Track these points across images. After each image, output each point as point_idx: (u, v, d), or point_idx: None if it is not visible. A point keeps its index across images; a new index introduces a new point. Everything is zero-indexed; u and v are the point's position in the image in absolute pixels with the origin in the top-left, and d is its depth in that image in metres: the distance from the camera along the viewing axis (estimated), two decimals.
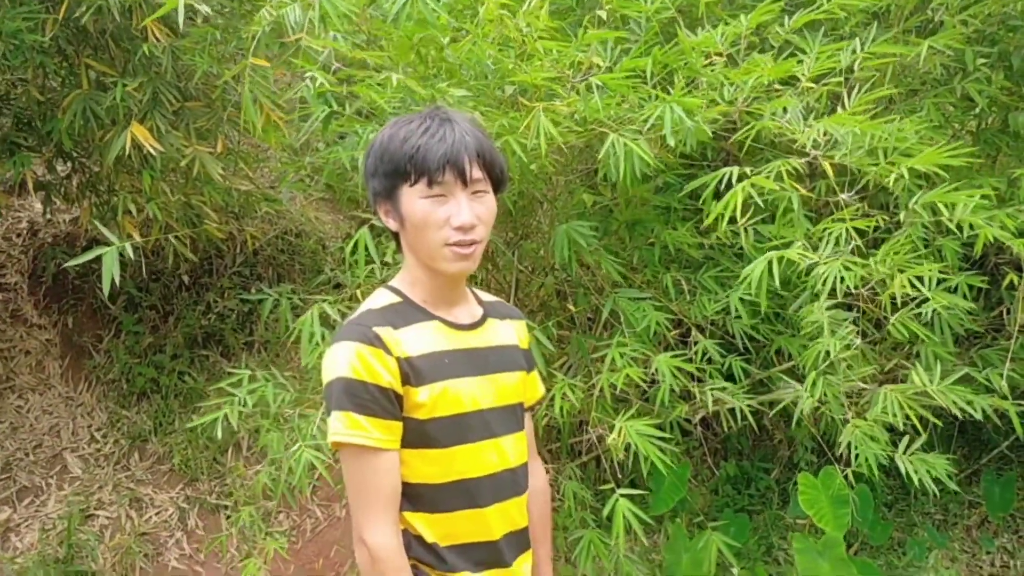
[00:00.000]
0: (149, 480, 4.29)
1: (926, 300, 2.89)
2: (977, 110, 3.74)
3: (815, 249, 2.74)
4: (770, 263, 2.66)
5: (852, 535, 4.03)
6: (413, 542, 1.46)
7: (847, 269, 2.62)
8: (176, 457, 4.33)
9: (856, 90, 2.97)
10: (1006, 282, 3.41)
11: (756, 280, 2.64)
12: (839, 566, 3.24)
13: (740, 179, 2.70)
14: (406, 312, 1.48)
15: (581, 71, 2.91)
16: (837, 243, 2.74)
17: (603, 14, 3.09)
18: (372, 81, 2.78)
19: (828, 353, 2.80)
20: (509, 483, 1.53)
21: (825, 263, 2.65)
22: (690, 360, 3.24)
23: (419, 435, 1.43)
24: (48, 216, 4.91)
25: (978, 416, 3.38)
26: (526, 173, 3.23)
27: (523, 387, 1.63)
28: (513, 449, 1.55)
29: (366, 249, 2.78)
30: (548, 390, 3.19)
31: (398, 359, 1.41)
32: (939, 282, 3.09)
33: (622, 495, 2.84)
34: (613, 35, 2.99)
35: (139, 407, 4.60)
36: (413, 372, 1.42)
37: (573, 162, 3.49)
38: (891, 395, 2.81)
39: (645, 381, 3.10)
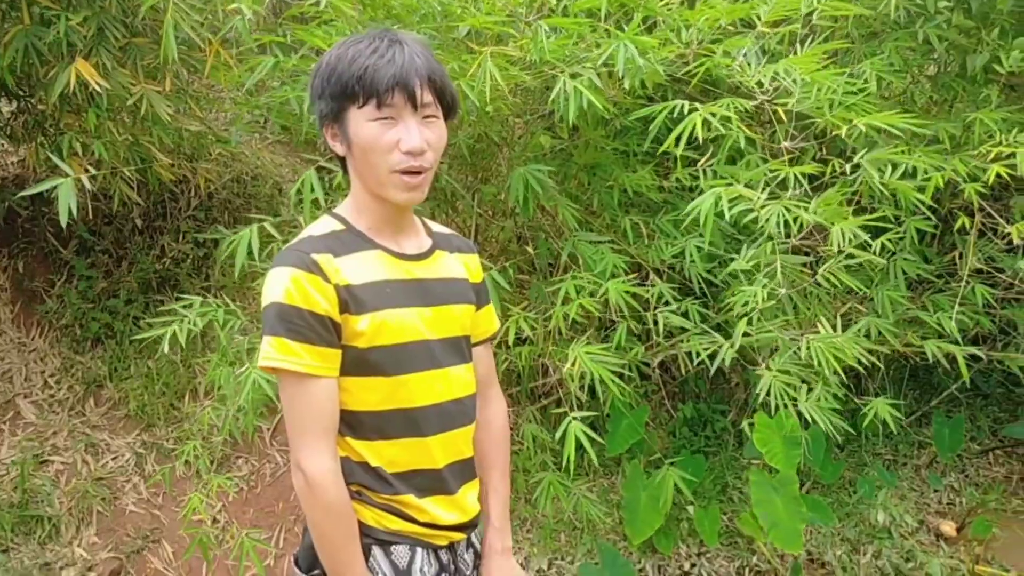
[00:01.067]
0: (105, 426, 4.24)
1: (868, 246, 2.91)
2: (935, 55, 3.74)
3: (770, 193, 2.74)
4: (717, 199, 2.65)
5: (804, 474, 4.12)
6: (356, 468, 1.45)
7: (789, 212, 2.63)
8: (132, 403, 4.28)
9: (813, 37, 2.95)
10: (957, 225, 3.47)
11: (704, 215, 2.64)
12: (790, 503, 3.31)
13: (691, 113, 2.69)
14: (348, 240, 1.45)
15: (534, 10, 2.84)
16: (785, 186, 2.74)
17: None
18: (316, 25, 2.71)
19: (763, 298, 2.82)
20: (455, 413, 1.52)
21: (766, 205, 2.65)
22: (647, 301, 3.25)
23: (360, 363, 1.41)
24: None
25: (929, 359, 3.46)
26: (482, 116, 3.19)
27: (471, 320, 1.61)
28: (460, 380, 1.53)
29: (312, 190, 2.72)
30: (504, 325, 3.19)
31: (336, 286, 1.38)
32: (886, 230, 3.13)
33: (575, 418, 2.84)
34: None
35: (93, 353, 4.53)
36: (352, 300, 1.39)
37: (531, 104, 3.44)
38: (813, 344, 2.83)
39: (599, 312, 3.10)
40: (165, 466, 4.08)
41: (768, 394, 2.77)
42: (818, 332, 2.94)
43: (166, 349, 2.89)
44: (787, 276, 3.10)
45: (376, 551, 1.46)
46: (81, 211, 4.81)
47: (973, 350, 3.54)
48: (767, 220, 2.60)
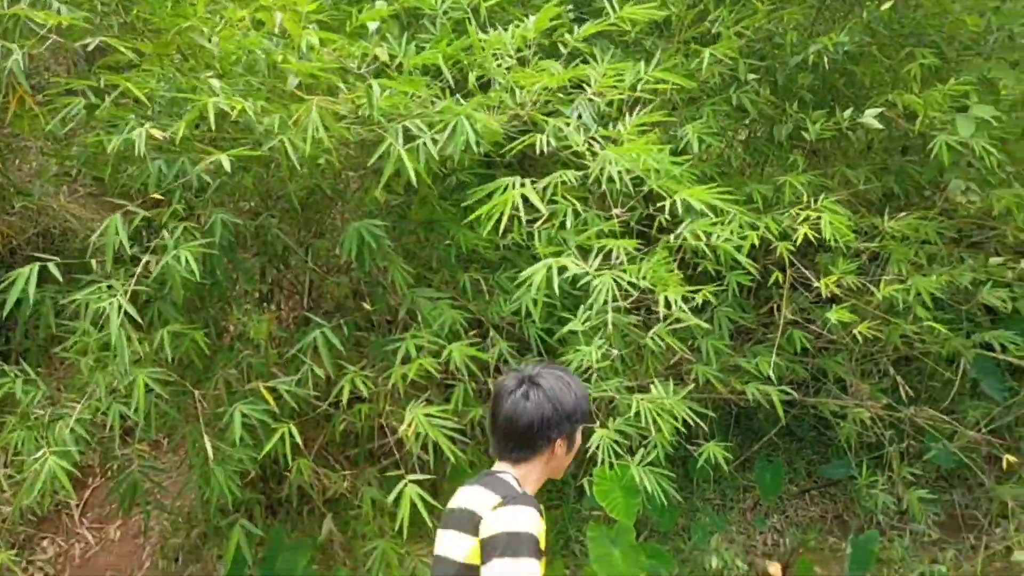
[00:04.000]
0: None
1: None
2: (748, 120, 4.02)
3: (597, 256, 2.86)
4: (548, 269, 2.73)
5: (642, 523, 4.19)
6: None
7: (616, 282, 2.74)
8: None
9: (638, 108, 3.11)
10: (772, 280, 3.70)
11: (536, 286, 2.70)
12: (629, 552, 3.36)
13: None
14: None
15: (365, 63, 2.82)
16: (608, 256, 2.85)
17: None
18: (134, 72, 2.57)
19: (599, 358, 2.91)
20: None
21: (598, 274, 2.76)
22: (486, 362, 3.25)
23: None
24: None
25: (750, 400, 3.65)
26: (312, 168, 3.11)
27: None
28: None
29: (117, 233, 2.55)
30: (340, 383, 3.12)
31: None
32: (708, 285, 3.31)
33: (412, 481, 2.78)
34: (384, 13, 2.94)
35: None
36: None
37: (364, 158, 3.40)
38: (641, 403, 2.99)
39: (439, 372, 3.07)
40: None
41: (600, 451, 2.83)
42: (649, 391, 3.05)
43: None
44: (620, 335, 3.19)
45: None
46: None
47: (788, 390, 3.75)
48: (599, 289, 2.69)
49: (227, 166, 2.64)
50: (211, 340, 3.29)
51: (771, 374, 3.62)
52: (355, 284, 3.79)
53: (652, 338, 3.06)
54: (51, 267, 2.69)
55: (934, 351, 4.22)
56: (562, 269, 2.74)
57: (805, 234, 3.31)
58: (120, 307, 2.60)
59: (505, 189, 2.78)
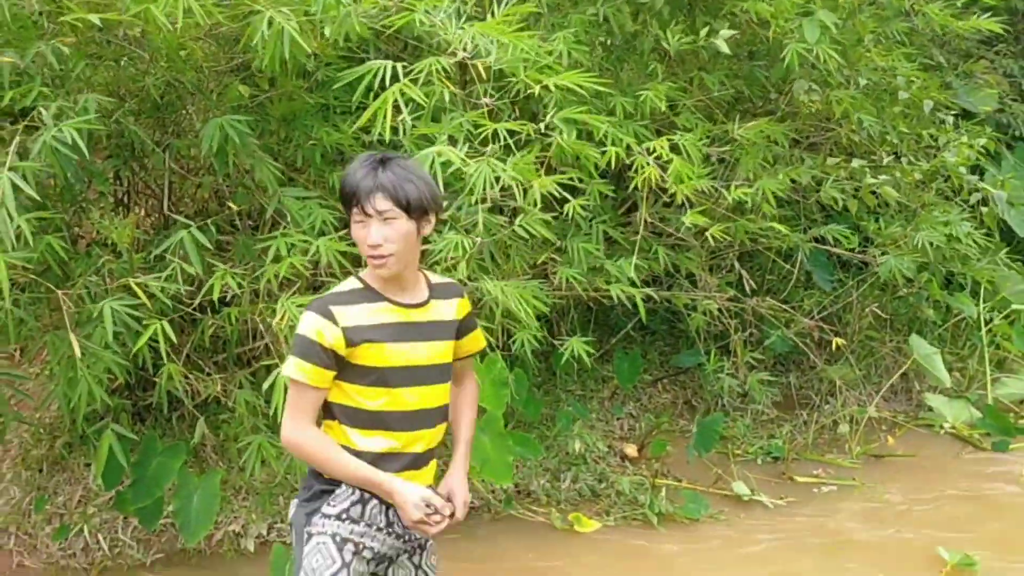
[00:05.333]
0: None
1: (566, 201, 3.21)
2: (606, 28, 4.13)
3: (469, 147, 2.92)
4: (432, 161, 2.77)
5: (509, 415, 4.40)
6: (356, 452, 2.00)
7: (492, 171, 2.83)
8: None
9: (506, 2, 3.13)
10: (632, 185, 3.88)
11: (433, 166, 2.76)
12: (498, 439, 3.55)
13: (393, 76, 2.79)
14: (361, 295, 2.02)
15: None
16: (486, 143, 2.92)
17: None
18: None
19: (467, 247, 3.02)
20: (423, 419, 2.05)
21: (476, 164, 2.83)
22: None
23: (368, 376, 1.99)
24: None
25: (614, 301, 3.86)
26: (174, 59, 3.00)
27: (451, 350, 2.14)
28: (432, 395, 2.07)
29: None
30: (211, 281, 3.12)
31: (343, 328, 1.96)
32: (577, 189, 3.46)
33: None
34: None
35: None
36: (360, 335, 1.97)
37: (225, 52, 3.29)
38: (508, 290, 3.14)
39: (309, 271, 3.10)
40: None
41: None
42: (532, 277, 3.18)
43: None
44: (488, 229, 3.30)
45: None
46: None
47: (648, 291, 3.98)
48: (474, 178, 2.76)
49: (96, 21, 2.60)
50: (66, 246, 3.17)
51: (633, 276, 3.83)
52: (218, 185, 3.71)
53: (522, 225, 3.15)
54: None
55: (775, 246, 4.59)
56: (446, 163, 2.77)
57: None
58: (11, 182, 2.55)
59: (376, 73, 2.78)
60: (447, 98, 2.91)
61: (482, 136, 3.00)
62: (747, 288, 4.60)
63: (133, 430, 3.54)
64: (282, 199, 3.29)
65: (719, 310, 4.52)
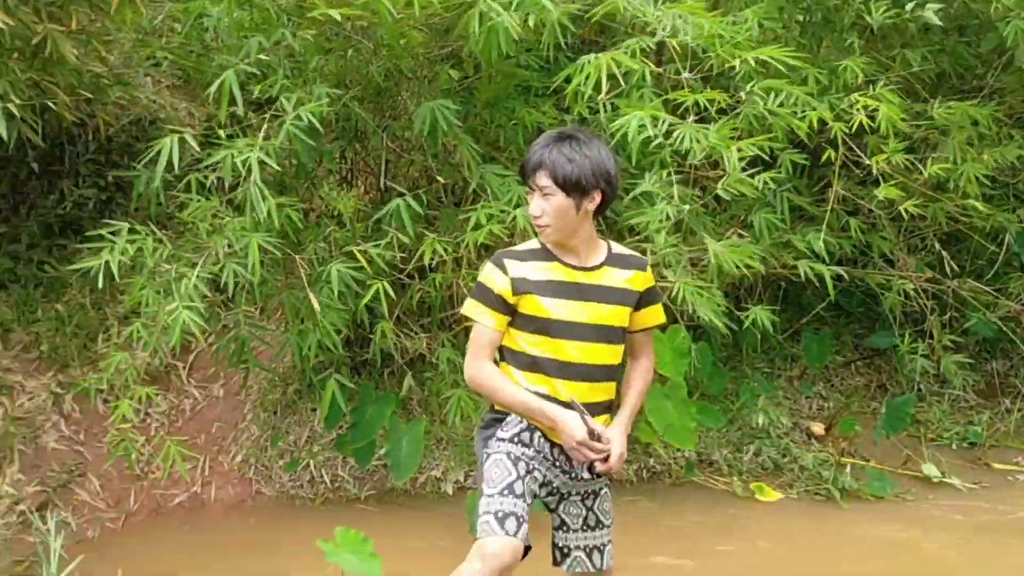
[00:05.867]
0: (17, 368, 4.23)
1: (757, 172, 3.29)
2: (805, 4, 4.11)
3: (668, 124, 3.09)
4: (640, 120, 2.98)
5: (693, 387, 4.52)
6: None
7: (695, 138, 2.97)
8: (44, 344, 4.28)
9: None
10: (824, 158, 3.87)
11: (631, 134, 2.98)
12: (681, 406, 3.70)
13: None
14: (535, 253, 2.23)
15: None
16: (685, 114, 3.06)
17: None
18: None
19: (668, 216, 3.16)
20: (583, 372, 2.22)
21: (679, 125, 3.02)
22: None
23: (531, 324, 2.20)
24: None
25: (801, 277, 3.88)
26: (394, 47, 3.36)
27: (624, 316, 2.28)
28: (594, 352, 2.22)
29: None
30: (421, 248, 3.47)
31: (512, 278, 2.18)
32: (770, 160, 3.51)
33: None
34: None
35: None
36: (525, 286, 2.18)
37: (437, 40, 3.63)
38: (714, 248, 3.28)
39: (507, 236, 3.37)
40: (85, 406, 4.14)
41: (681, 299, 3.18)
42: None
43: (100, 284, 2.99)
44: (683, 201, 3.44)
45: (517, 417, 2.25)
46: None
47: (838, 269, 3.97)
48: (674, 143, 2.91)
49: (337, 16, 3.00)
50: (301, 218, 3.64)
51: (821, 251, 3.82)
52: (426, 163, 4.09)
53: (723, 189, 3.31)
54: (188, 137, 3.18)
55: (980, 227, 4.39)
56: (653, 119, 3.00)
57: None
58: (258, 160, 3.03)
59: (582, 68, 3.02)
60: (647, 76, 3.08)
61: (682, 109, 3.17)
62: (948, 270, 4.44)
63: (352, 380, 3.99)
64: (483, 175, 3.60)
65: (915, 290, 4.40)
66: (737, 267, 3.35)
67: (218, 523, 3.97)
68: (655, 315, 2.37)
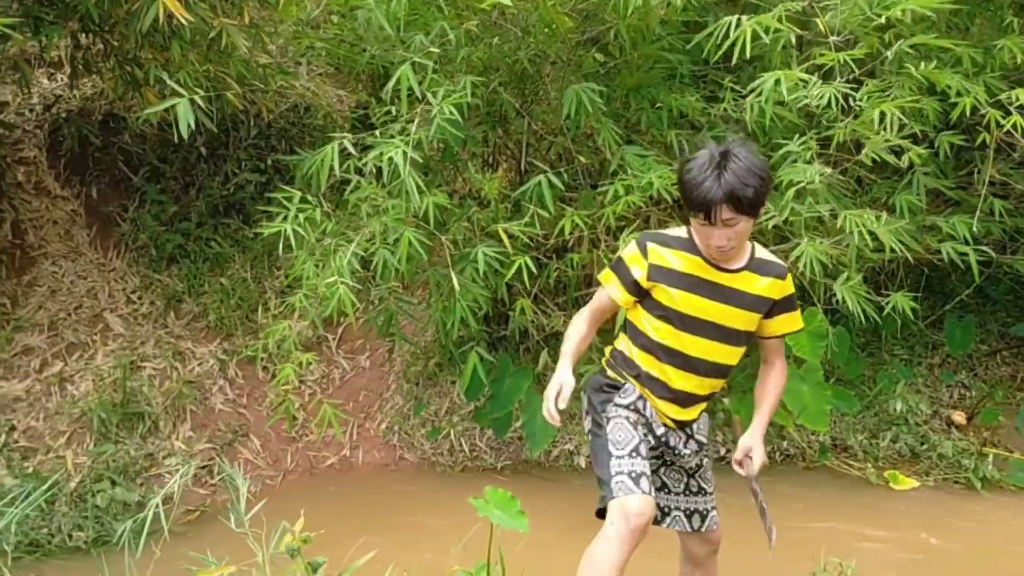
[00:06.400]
0: (188, 336, 4.65)
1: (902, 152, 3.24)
2: None
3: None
4: (777, 80, 3.03)
5: (830, 372, 4.49)
6: (635, 367, 2.32)
7: (835, 97, 2.99)
8: (211, 315, 4.67)
9: None
10: (979, 140, 3.75)
11: (766, 94, 3.05)
12: (816, 388, 3.70)
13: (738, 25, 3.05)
14: (682, 243, 2.24)
15: None
16: (829, 77, 3.07)
17: None
18: None
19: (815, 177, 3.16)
20: (695, 365, 2.27)
21: (819, 88, 3.04)
22: None
23: (658, 310, 2.25)
24: (73, 90, 5.08)
25: (944, 258, 3.79)
26: (542, 35, 3.50)
27: (749, 321, 2.27)
28: (713, 350, 2.26)
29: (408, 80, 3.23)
30: (560, 223, 3.60)
31: (650, 264, 2.23)
32: (920, 141, 3.44)
33: None
34: None
35: (170, 271, 4.90)
36: (659, 275, 2.23)
37: (582, 25, 3.74)
38: (851, 217, 3.23)
39: (644, 204, 3.45)
40: (247, 372, 4.51)
41: (804, 268, 3.16)
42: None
43: (280, 249, 3.30)
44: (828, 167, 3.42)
45: (631, 385, 2.32)
46: (151, 139, 5.16)
47: (985, 250, 3.85)
48: (821, 98, 2.94)
49: (507, 2, 3.17)
50: (447, 199, 3.83)
51: (967, 235, 3.72)
52: (566, 145, 4.21)
53: (868, 155, 3.29)
54: (347, 143, 3.35)
55: None
56: (795, 84, 3.02)
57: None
58: (406, 153, 3.26)
59: (721, 30, 3.09)
60: (792, 40, 3.10)
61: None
62: None
63: (490, 354, 4.18)
64: (623, 156, 3.70)
65: None
66: (879, 250, 3.30)
67: (365, 484, 4.26)
68: (790, 322, 2.36)
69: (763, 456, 2.30)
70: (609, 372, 2.36)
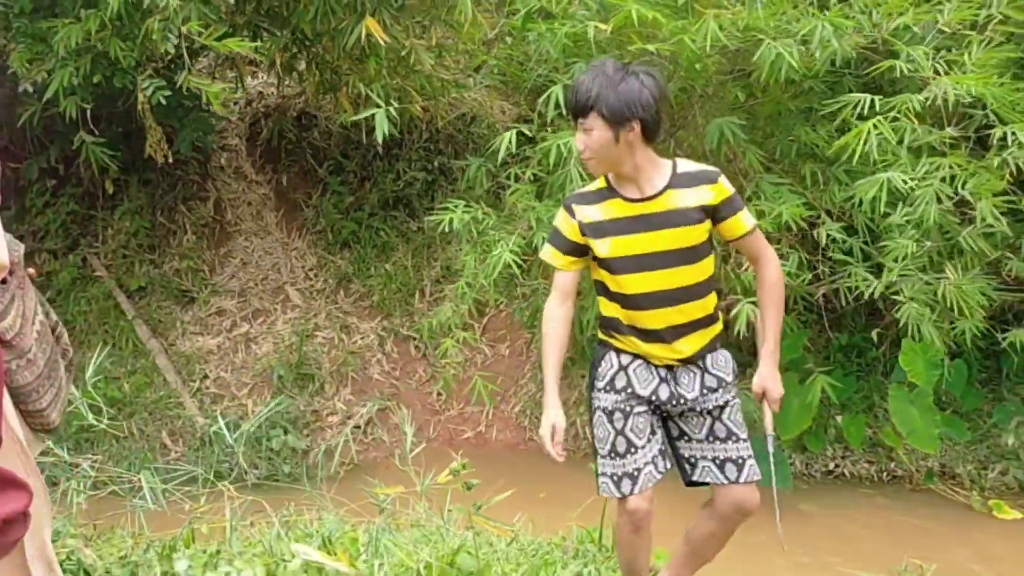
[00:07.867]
0: (354, 312, 5.29)
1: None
2: None
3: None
4: (879, 187, 3.32)
5: (947, 402, 4.64)
6: (612, 321, 2.27)
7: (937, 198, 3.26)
8: (375, 296, 5.30)
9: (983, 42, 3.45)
10: None
11: (868, 200, 3.34)
12: (926, 413, 3.92)
13: (871, 106, 3.36)
14: (599, 193, 2.22)
15: None
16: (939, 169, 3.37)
17: None
18: None
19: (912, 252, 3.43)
20: (656, 300, 2.19)
21: (923, 186, 3.30)
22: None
23: (602, 263, 2.22)
24: (281, 91, 5.85)
25: None
26: (691, 71, 3.89)
27: (695, 233, 2.18)
28: (668, 277, 2.18)
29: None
30: None
31: (578, 221, 2.21)
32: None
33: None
34: None
35: (342, 254, 5.58)
36: (590, 231, 2.20)
37: (728, 65, 4.11)
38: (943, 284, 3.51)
39: (773, 232, 3.76)
40: (402, 349, 5.10)
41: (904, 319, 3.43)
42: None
43: (456, 225, 3.84)
44: (938, 230, 3.65)
45: (613, 352, 2.27)
46: (336, 136, 5.86)
47: None
48: (921, 199, 3.24)
49: (651, 48, 3.58)
50: None
51: None
52: None
53: (965, 238, 3.51)
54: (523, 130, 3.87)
55: None
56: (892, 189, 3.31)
57: None
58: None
59: (856, 105, 3.37)
60: (907, 136, 3.38)
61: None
62: None
63: None
64: (759, 183, 4.04)
65: None
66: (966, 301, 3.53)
67: (499, 459, 4.76)
68: (739, 225, 2.22)
69: (780, 391, 2.25)
70: (600, 334, 2.32)
